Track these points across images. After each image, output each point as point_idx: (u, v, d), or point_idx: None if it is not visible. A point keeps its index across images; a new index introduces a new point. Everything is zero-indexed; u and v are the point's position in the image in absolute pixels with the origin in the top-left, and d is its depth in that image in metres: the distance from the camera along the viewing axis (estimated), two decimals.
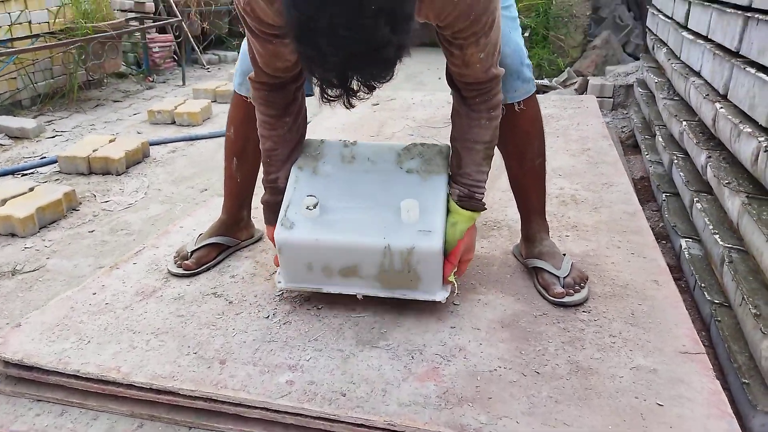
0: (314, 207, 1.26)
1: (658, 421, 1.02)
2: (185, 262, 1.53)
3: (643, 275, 1.47)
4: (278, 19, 1.09)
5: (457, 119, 1.29)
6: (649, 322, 1.29)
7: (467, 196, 1.29)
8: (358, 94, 0.92)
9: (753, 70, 1.49)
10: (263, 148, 1.37)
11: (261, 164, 1.42)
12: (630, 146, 3.26)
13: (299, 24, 0.82)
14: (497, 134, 1.29)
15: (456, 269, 1.31)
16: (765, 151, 1.28)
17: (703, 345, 1.22)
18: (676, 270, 1.87)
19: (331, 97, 0.92)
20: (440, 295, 1.30)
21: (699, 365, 1.15)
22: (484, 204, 1.32)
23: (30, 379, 1.21)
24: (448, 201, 1.30)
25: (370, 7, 0.79)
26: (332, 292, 1.33)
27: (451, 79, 1.28)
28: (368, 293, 1.31)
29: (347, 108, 0.94)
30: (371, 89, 0.92)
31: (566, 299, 1.35)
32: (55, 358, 1.20)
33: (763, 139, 1.33)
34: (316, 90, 0.96)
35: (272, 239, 1.34)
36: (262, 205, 1.41)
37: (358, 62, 0.85)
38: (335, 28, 0.80)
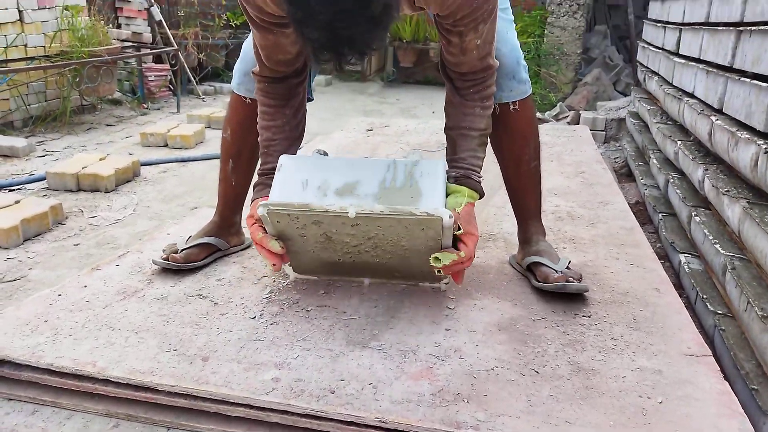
0: (324, 154, 1.27)
1: (665, 419, 0.96)
2: (174, 255, 1.47)
3: (644, 284, 1.43)
4: (277, 8, 1.09)
5: (451, 109, 1.28)
6: (652, 326, 1.24)
7: (464, 176, 1.26)
8: (349, 58, 0.92)
9: (748, 80, 1.50)
10: (261, 140, 1.35)
11: (259, 155, 1.39)
12: (623, 175, 3.27)
13: None
14: (490, 123, 1.28)
15: (460, 241, 1.18)
16: (765, 153, 1.26)
17: None
18: (677, 287, 1.82)
19: (323, 60, 0.92)
20: (444, 213, 1.11)
21: (706, 367, 1.10)
22: (482, 188, 1.27)
23: (1, 375, 1.14)
24: (446, 186, 1.24)
25: None
26: (325, 208, 1.15)
27: (444, 71, 1.28)
28: (363, 208, 1.14)
29: (338, 71, 0.96)
30: (362, 55, 0.91)
31: (567, 284, 1.29)
32: (28, 351, 1.13)
33: (762, 142, 1.32)
34: (311, 60, 0.95)
35: (254, 216, 1.26)
36: (253, 190, 1.35)
37: (346, 20, 0.85)
38: None
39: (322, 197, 1.19)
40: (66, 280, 1.45)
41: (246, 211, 1.54)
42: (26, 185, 2.97)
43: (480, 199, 1.28)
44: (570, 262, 1.38)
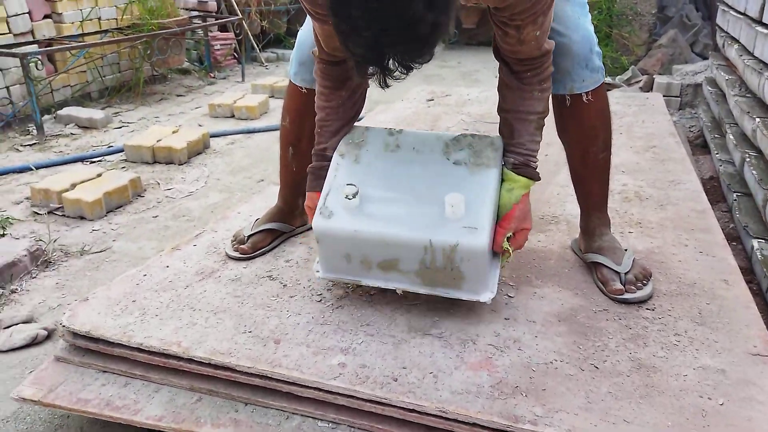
0: (353, 197, 1.22)
1: (725, 422, 0.97)
2: (241, 246, 1.56)
3: (712, 274, 1.40)
4: None
5: (506, 92, 1.25)
6: (718, 321, 1.23)
7: (522, 164, 1.26)
8: (394, 73, 0.89)
9: None
10: (317, 119, 1.38)
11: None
12: (698, 146, 3.13)
13: None
14: (548, 105, 1.26)
15: (512, 237, 1.24)
16: None
17: None
18: (747, 272, 1.77)
19: (366, 74, 0.90)
20: (485, 296, 1.21)
21: None
22: (539, 173, 1.28)
23: (96, 350, 1.26)
24: (502, 174, 1.25)
25: None
26: (375, 284, 1.28)
27: (498, 54, 1.25)
28: (408, 289, 1.26)
29: (382, 87, 0.92)
30: (408, 69, 0.89)
31: (627, 296, 1.30)
32: (119, 331, 1.24)
33: None
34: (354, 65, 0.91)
35: (311, 207, 1.32)
36: (309, 174, 1.40)
37: (391, 38, 0.82)
38: (368, 1, 0.79)
39: (369, 271, 1.27)
40: (150, 260, 1.56)
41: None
42: (106, 157, 3.15)
43: (537, 181, 1.29)
44: (634, 260, 1.36)
